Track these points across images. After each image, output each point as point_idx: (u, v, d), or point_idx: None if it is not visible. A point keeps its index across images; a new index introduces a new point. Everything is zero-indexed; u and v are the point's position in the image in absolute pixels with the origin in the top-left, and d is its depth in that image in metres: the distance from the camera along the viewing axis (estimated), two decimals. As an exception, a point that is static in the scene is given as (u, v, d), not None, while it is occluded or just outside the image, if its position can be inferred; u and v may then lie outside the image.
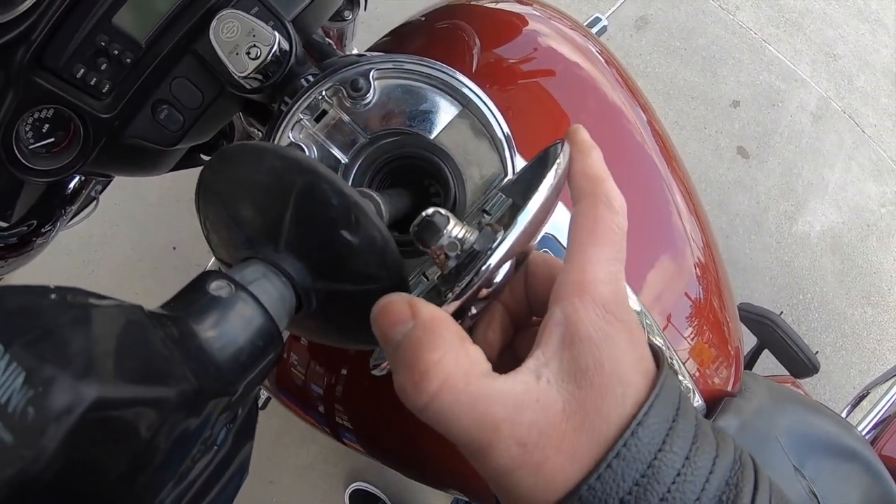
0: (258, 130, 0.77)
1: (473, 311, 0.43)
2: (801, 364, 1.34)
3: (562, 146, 0.39)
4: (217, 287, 0.27)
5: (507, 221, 0.35)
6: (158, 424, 0.20)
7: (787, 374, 1.38)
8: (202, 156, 0.70)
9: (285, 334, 0.31)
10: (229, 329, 0.26)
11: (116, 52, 0.49)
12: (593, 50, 0.71)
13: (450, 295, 0.35)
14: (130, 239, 1.85)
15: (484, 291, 0.37)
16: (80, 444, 0.18)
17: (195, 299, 0.26)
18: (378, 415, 0.65)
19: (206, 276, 0.27)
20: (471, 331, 0.38)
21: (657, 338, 0.62)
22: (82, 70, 0.48)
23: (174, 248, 1.85)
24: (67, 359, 0.18)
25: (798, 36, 2.61)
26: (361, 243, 0.33)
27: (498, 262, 0.34)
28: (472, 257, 0.36)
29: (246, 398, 0.27)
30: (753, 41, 2.52)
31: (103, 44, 0.48)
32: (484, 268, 0.34)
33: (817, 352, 1.35)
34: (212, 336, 0.25)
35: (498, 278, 0.37)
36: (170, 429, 0.21)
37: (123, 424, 0.19)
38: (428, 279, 0.49)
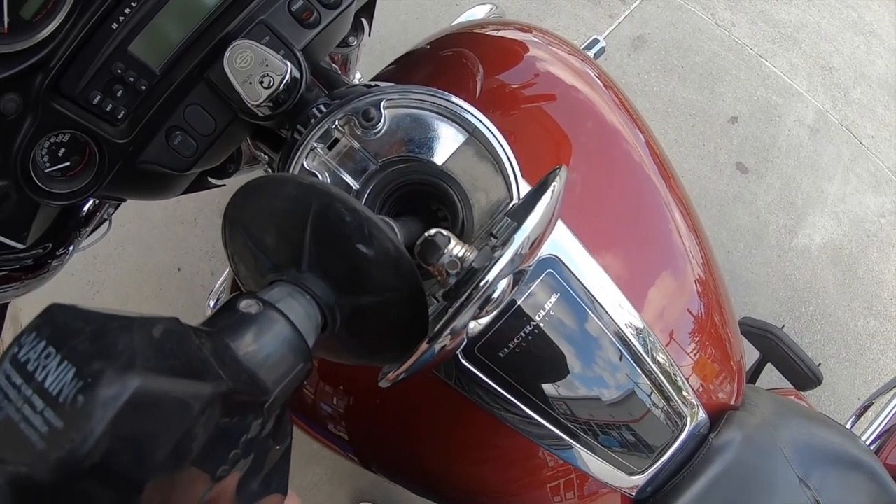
0: (265, 154, 0.78)
1: (479, 324, 0.44)
2: (803, 376, 1.35)
3: (559, 171, 0.41)
4: (247, 305, 0.29)
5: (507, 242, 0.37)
6: (196, 415, 0.22)
7: (791, 386, 1.38)
8: (210, 179, 0.71)
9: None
10: (259, 341, 0.28)
11: (132, 79, 0.50)
12: (592, 74, 0.72)
13: (450, 311, 0.37)
14: (135, 260, 1.86)
15: (485, 307, 0.39)
16: (125, 429, 0.20)
17: (227, 317, 0.28)
18: (385, 433, 0.66)
19: (236, 298, 0.29)
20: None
21: (660, 354, 0.63)
22: (98, 97, 0.50)
23: (179, 269, 1.86)
24: (114, 355, 0.20)
25: (794, 50, 2.64)
26: (377, 255, 0.34)
27: (494, 278, 0.36)
28: (471, 274, 0.38)
29: (279, 406, 0.29)
30: (750, 57, 2.55)
31: (119, 71, 0.50)
32: (482, 283, 0.36)
33: (820, 364, 1.36)
34: (243, 347, 0.27)
35: (496, 294, 0.39)
36: (206, 421, 0.23)
37: (163, 412, 0.21)
38: (438, 300, 0.50)
